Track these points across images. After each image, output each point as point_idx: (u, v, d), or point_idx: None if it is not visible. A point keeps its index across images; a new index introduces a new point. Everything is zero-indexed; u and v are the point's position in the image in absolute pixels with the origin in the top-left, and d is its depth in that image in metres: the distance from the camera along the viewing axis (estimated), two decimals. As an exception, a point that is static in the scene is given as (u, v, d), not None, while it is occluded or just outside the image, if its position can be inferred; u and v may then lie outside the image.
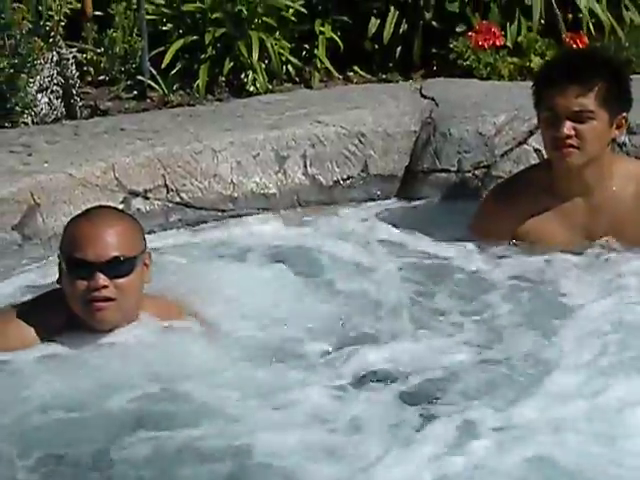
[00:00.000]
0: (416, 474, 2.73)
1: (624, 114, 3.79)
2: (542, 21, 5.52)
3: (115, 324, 3.21)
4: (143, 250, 3.24)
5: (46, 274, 3.75)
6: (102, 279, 3.14)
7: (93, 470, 2.82)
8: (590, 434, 2.85)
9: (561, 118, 3.70)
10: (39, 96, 4.89)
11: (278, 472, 2.76)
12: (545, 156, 4.03)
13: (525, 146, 4.37)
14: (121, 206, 4.04)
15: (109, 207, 3.57)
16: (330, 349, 3.30)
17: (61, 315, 3.23)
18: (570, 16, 5.63)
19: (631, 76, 3.95)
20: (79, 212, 3.44)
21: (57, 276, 3.28)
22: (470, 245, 3.90)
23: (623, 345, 3.24)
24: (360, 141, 4.46)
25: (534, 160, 4.30)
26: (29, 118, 4.82)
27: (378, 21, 5.52)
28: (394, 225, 4.15)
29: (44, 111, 4.90)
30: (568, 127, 3.69)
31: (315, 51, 5.51)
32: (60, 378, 3.11)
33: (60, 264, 3.26)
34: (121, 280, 3.16)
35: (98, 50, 5.28)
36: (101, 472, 2.81)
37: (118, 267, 3.15)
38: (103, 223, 3.20)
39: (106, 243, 3.15)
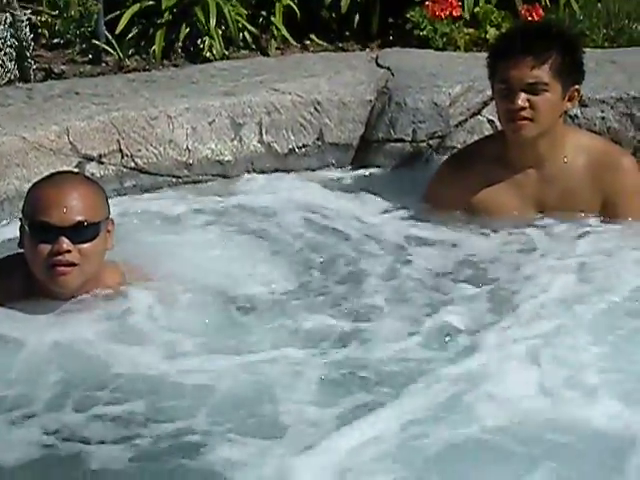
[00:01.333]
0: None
1: (577, 86, 3.84)
2: (499, -8, 5.55)
3: (76, 289, 3.21)
4: (107, 216, 3.24)
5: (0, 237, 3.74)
6: (66, 243, 3.13)
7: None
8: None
9: (515, 90, 3.73)
10: (-8, 58, 4.85)
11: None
12: (499, 127, 4.08)
13: (479, 117, 4.40)
14: (75, 170, 4.02)
15: (73, 172, 3.57)
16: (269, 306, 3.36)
17: (20, 280, 3.22)
18: (526, -12, 5.67)
19: (585, 49, 4.00)
20: (41, 176, 3.42)
21: (18, 239, 3.26)
22: (422, 213, 3.94)
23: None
24: (316, 109, 4.47)
25: (488, 131, 4.33)
26: (-19, 80, 4.79)
27: (336, -11, 5.52)
28: (347, 193, 4.18)
29: (-3, 73, 4.86)
30: (522, 99, 3.73)
31: (272, 18, 5.51)
32: (16, 345, 3.11)
33: (22, 227, 3.24)
34: (85, 245, 3.16)
35: (53, 13, 5.23)
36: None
37: (82, 232, 3.15)
38: (68, 187, 3.18)
39: (71, 208, 3.14)
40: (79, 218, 3.14)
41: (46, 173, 3.86)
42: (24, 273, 3.22)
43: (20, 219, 3.27)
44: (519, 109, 3.73)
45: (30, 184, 3.41)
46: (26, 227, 3.20)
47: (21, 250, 3.27)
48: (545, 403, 2.91)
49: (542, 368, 3.04)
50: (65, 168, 4.00)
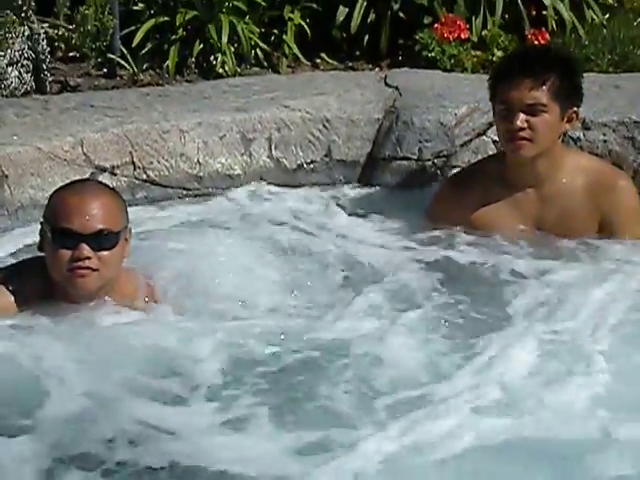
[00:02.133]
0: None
1: (575, 108, 3.92)
2: (506, 16, 5.64)
3: (94, 293, 3.29)
4: (126, 225, 3.33)
5: (13, 243, 3.83)
6: (86, 250, 3.22)
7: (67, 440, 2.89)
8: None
9: (514, 111, 3.82)
10: (9, 69, 4.94)
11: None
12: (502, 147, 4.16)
13: (484, 137, 4.48)
14: (97, 179, 4.10)
15: (95, 181, 3.65)
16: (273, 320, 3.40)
17: (38, 284, 3.30)
18: (534, 12, 5.76)
19: (590, 74, 4.08)
20: (55, 186, 3.50)
21: (38, 243, 3.34)
22: (424, 231, 4.01)
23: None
24: (324, 126, 4.56)
25: (492, 151, 4.41)
26: (-1, 91, 4.88)
27: (347, 10, 5.61)
28: (353, 209, 4.27)
29: (14, 84, 4.95)
30: (521, 119, 3.81)
31: (284, 37, 5.60)
32: (36, 348, 3.17)
33: (42, 231, 3.32)
34: (104, 253, 3.24)
35: (70, 26, 5.33)
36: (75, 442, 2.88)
37: (102, 240, 3.24)
38: (91, 196, 3.27)
39: (93, 215, 3.23)
40: (100, 226, 3.23)
41: (60, 183, 3.97)
42: (42, 276, 3.30)
43: (41, 224, 3.35)
44: (518, 129, 3.81)
45: (45, 193, 3.51)
46: (48, 232, 3.28)
47: (40, 254, 3.35)
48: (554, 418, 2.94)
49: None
50: (78, 178, 4.08)
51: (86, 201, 3.24)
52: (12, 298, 3.27)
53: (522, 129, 3.81)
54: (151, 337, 3.24)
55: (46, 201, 3.36)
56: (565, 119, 3.89)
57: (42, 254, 3.33)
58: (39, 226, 3.35)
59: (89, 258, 3.22)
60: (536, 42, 5.41)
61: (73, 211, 3.23)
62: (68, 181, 3.59)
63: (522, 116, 3.81)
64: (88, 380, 3.07)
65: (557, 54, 3.98)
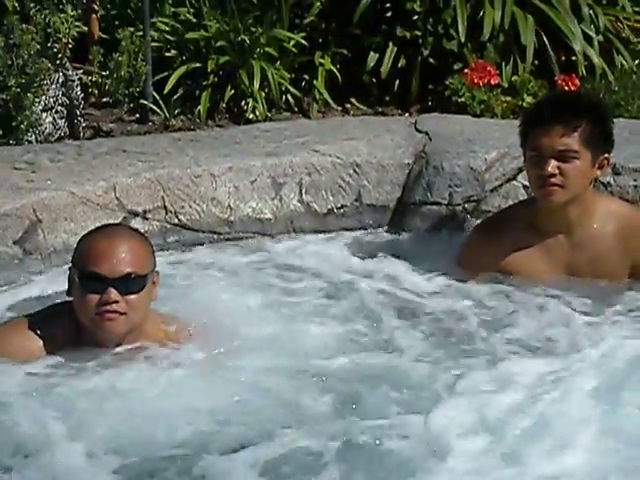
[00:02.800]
0: None
1: (606, 155, 3.92)
2: (536, 62, 5.66)
3: (121, 336, 3.31)
4: (153, 268, 3.35)
5: (46, 288, 3.86)
6: (114, 294, 3.24)
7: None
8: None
9: (546, 157, 3.82)
10: (44, 115, 5.02)
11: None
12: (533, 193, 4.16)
13: (514, 182, 4.48)
14: (123, 223, 4.14)
15: (123, 225, 3.68)
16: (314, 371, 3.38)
17: (67, 328, 3.32)
18: (564, 58, 5.78)
19: (620, 119, 4.08)
20: (86, 229, 3.54)
21: (67, 288, 3.36)
22: (455, 277, 4.01)
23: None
24: (355, 171, 4.58)
25: (522, 196, 4.41)
26: (33, 136, 4.95)
27: (377, 55, 5.66)
28: (384, 254, 4.25)
29: (48, 130, 5.02)
30: (552, 166, 3.82)
31: (314, 82, 5.65)
32: (63, 393, 3.18)
33: (71, 276, 3.35)
34: (132, 296, 3.26)
35: (103, 73, 5.40)
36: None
37: (130, 284, 3.25)
38: (118, 240, 3.30)
39: (120, 259, 3.25)
40: (128, 270, 3.25)
41: (93, 228, 4.01)
42: (70, 321, 3.32)
43: (69, 268, 3.37)
44: (549, 175, 3.81)
45: (77, 237, 3.53)
46: (75, 277, 3.30)
47: (68, 299, 3.38)
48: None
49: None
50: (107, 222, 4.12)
51: (113, 245, 3.27)
52: (41, 343, 3.29)
53: (553, 175, 3.81)
54: (181, 383, 3.24)
55: (79, 246, 3.37)
56: (596, 165, 3.89)
57: (70, 299, 3.36)
58: (68, 271, 3.37)
59: (117, 302, 3.24)
60: (566, 87, 5.43)
61: (100, 255, 3.25)
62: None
63: (553, 162, 3.81)
64: (108, 421, 3.06)
65: (588, 100, 3.99)
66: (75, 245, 3.41)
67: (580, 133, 3.82)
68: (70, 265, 3.38)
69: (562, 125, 3.81)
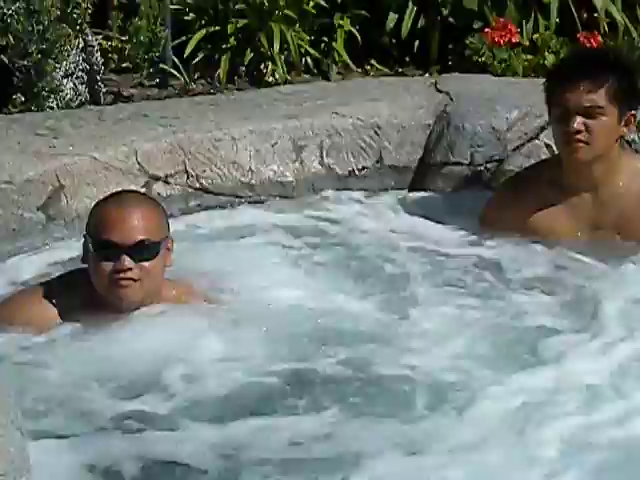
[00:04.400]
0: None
1: (633, 112, 3.88)
2: (557, 20, 5.61)
3: (137, 304, 3.32)
4: (167, 235, 3.35)
5: (69, 253, 3.87)
6: (127, 261, 3.25)
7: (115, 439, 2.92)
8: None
9: (572, 113, 3.79)
10: (65, 81, 5.01)
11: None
12: (556, 152, 4.14)
13: (536, 141, 4.46)
14: (143, 190, 4.16)
15: (135, 192, 3.68)
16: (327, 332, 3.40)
17: (83, 295, 3.34)
18: (585, 15, 5.73)
19: (641, 75, 4.04)
20: (105, 195, 3.55)
21: (82, 255, 3.38)
22: (478, 235, 4.01)
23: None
24: (375, 133, 4.56)
25: (545, 155, 4.39)
26: (55, 102, 4.95)
27: (396, 16, 5.63)
28: (406, 215, 4.26)
29: (69, 96, 5.02)
30: (578, 122, 3.79)
31: (334, 44, 5.62)
32: (81, 356, 3.22)
33: (85, 244, 3.36)
34: (145, 263, 3.27)
35: (123, 38, 5.40)
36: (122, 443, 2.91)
37: (143, 250, 3.26)
38: (130, 207, 3.30)
39: (133, 227, 3.26)
40: (141, 237, 3.26)
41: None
42: (87, 288, 3.33)
43: (84, 236, 3.39)
44: (575, 132, 3.78)
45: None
46: (90, 245, 3.31)
47: (84, 265, 3.39)
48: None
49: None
50: (133, 187, 4.13)
51: (125, 212, 3.28)
52: (57, 311, 3.31)
53: (579, 132, 3.78)
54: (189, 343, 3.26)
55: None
56: (623, 122, 3.86)
57: (86, 266, 3.37)
58: (83, 239, 3.39)
59: (130, 269, 3.25)
60: (588, 45, 5.38)
61: (113, 223, 3.26)
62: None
63: (579, 119, 3.78)
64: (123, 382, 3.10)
65: (615, 56, 3.95)
66: (89, 214, 3.43)
67: (606, 89, 3.79)
68: (84, 233, 3.39)
69: (588, 81, 3.77)
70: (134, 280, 3.26)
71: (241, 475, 2.79)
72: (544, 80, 3.97)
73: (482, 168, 4.47)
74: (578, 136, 3.79)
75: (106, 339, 3.27)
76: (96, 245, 3.28)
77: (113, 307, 3.31)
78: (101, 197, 3.69)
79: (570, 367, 3.18)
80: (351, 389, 3.11)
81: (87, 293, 3.33)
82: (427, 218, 4.20)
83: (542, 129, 4.42)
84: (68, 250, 3.94)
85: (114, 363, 3.19)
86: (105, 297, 3.31)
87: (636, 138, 4.36)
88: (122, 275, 3.24)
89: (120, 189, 3.83)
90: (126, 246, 3.24)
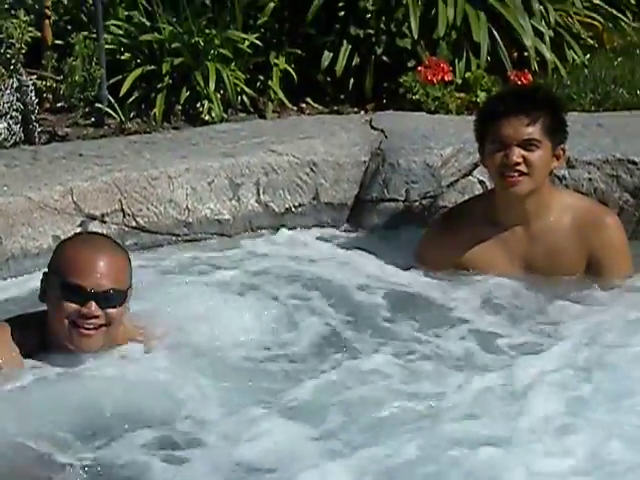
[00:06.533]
0: None
1: (562, 145, 3.97)
2: (489, 58, 5.71)
3: (95, 350, 3.29)
4: (131, 284, 3.35)
5: (3, 294, 3.84)
6: (94, 307, 3.23)
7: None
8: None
9: (510, 146, 3.85)
10: (-2, 121, 4.98)
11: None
12: (489, 187, 4.20)
13: (470, 177, 4.53)
14: (78, 229, 4.14)
15: (104, 235, 3.68)
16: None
17: (36, 338, 3.29)
18: (516, 54, 5.84)
19: (573, 113, 4.14)
20: (73, 235, 3.55)
21: (40, 293, 3.33)
22: (412, 272, 4.05)
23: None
24: (312, 170, 4.60)
25: (479, 191, 4.45)
26: (-11, 143, 4.91)
27: (331, 54, 5.68)
28: (341, 251, 4.29)
29: (3, 136, 4.99)
30: (517, 154, 3.85)
31: (269, 82, 5.66)
32: (37, 395, 3.18)
33: (48, 282, 3.31)
34: (112, 310, 3.25)
35: (57, 77, 5.37)
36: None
37: (112, 298, 3.25)
38: (104, 254, 3.28)
39: (106, 274, 3.24)
40: (111, 285, 3.24)
41: (51, 232, 4.01)
42: (40, 332, 3.29)
43: (45, 274, 3.34)
44: (514, 164, 3.84)
45: (35, 242, 3.52)
46: (56, 285, 3.26)
47: (34, 311, 3.35)
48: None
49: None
50: (69, 227, 4.12)
51: (99, 259, 3.25)
52: (11, 349, 3.25)
53: (518, 164, 3.85)
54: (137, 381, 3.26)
55: (37, 250, 3.35)
56: (554, 156, 3.94)
57: (37, 310, 3.33)
58: (42, 276, 3.35)
59: (97, 317, 3.23)
60: (519, 83, 5.48)
61: (86, 268, 3.23)
62: (72, 233, 3.64)
63: (518, 151, 3.85)
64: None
65: (545, 93, 4.05)
66: (35, 250, 3.41)
67: (541, 123, 3.88)
68: (46, 271, 3.35)
69: (525, 115, 3.85)
70: (98, 326, 3.24)
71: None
72: (476, 117, 4.04)
73: (417, 204, 4.52)
74: (518, 167, 3.85)
75: (63, 379, 3.24)
76: (64, 287, 3.24)
77: (68, 351, 3.27)
78: (37, 237, 3.67)
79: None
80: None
81: (40, 336, 3.29)
82: (362, 255, 4.23)
83: (476, 165, 4.49)
84: (3, 291, 3.90)
85: (71, 403, 3.16)
86: (60, 341, 3.27)
87: (566, 174, 4.45)
88: (87, 321, 3.22)
89: (87, 230, 3.88)
90: (96, 293, 3.22)
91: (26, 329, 3.31)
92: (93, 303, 3.22)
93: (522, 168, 3.85)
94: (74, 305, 3.23)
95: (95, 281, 3.22)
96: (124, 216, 4.34)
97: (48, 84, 5.38)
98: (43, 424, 3.06)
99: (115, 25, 5.61)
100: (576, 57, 5.85)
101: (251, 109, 5.61)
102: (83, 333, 3.23)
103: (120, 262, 3.31)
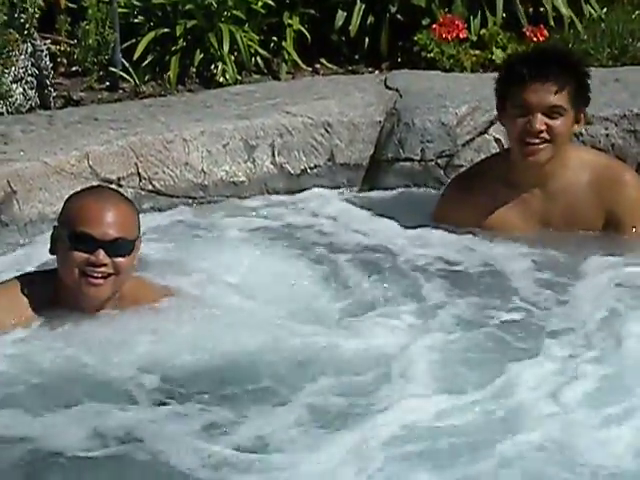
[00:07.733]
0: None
1: (584, 109, 3.94)
2: (504, 15, 5.66)
3: (104, 301, 3.34)
4: (139, 235, 3.39)
5: (23, 258, 3.86)
6: (103, 256, 3.27)
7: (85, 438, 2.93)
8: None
9: (534, 113, 3.80)
10: (14, 86, 4.99)
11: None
12: (505, 145, 4.18)
13: (486, 136, 4.51)
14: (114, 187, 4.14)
15: (111, 189, 3.71)
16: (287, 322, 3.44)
17: (45, 295, 3.34)
18: (531, 10, 5.78)
19: (590, 68, 4.07)
20: (81, 189, 3.52)
21: (50, 246, 3.37)
22: (430, 231, 4.03)
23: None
24: (326, 131, 4.59)
25: (495, 149, 4.44)
26: (4, 108, 4.92)
27: (345, 14, 5.64)
28: (358, 212, 4.29)
29: (19, 101, 5.00)
30: (540, 122, 3.80)
31: (283, 43, 5.63)
32: (47, 354, 3.22)
33: (57, 235, 3.36)
34: (120, 259, 3.30)
35: (71, 42, 5.37)
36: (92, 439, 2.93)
37: (119, 247, 3.29)
38: (111, 204, 3.33)
39: (112, 223, 3.29)
40: (118, 234, 3.29)
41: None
42: (49, 288, 3.34)
43: (54, 227, 3.39)
44: (538, 132, 3.80)
45: (52, 207, 3.53)
46: (64, 236, 3.31)
47: (46, 269, 3.39)
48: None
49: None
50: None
51: (106, 208, 3.31)
52: (22, 306, 3.30)
53: (541, 131, 3.80)
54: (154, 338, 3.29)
55: (54, 215, 3.37)
56: (575, 121, 3.91)
57: (47, 269, 3.36)
58: (52, 230, 3.39)
59: (105, 265, 3.27)
60: (535, 39, 5.43)
61: (94, 217, 3.28)
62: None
63: (541, 118, 3.80)
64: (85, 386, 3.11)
65: (573, 58, 3.99)
66: (52, 215, 3.43)
67: (567, 91, 3.83)
68: (55, 224, 3.39)
69: (551, 82, 3.79)
70: (106, 275, 3.27)
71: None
72: (499, 76, 3.98)
73: (433, 163, 4.51)
74: (541, 135, 3.81)
75: (72, 337, 3.28)
76: (72, 236, 3.29)
77: (78, 304, 3.32)
78: (54, 202, 3.69)
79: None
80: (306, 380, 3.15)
81: (49, 292, 3.34)
82: (379, 215, 4.22)
83: (491, 123, 4.47)
84: (22, 255, 3.93)
85: (79, 362, 3.20)
86: (69, 296, 3.31)
87: (583, 130, 4.41)
88: (96, 269, 3.26)
89: (97, 184, 3.85)
90: (104, 241, 3.27)
91: (36, 285, 3.35)
92: (101, 251, 3.26)
93: (545, 135, 3.81)
94: (83, 254, 3.27)
95: (103, 230, 3.27)
96: (140, 180, 4.35)
97: (62, 48, 5.39)
98: (57, 379, 3.09)
99: (128, -12, 5.59)
100: (593, 11, 5.79)
101: (265, 70, 5.59)
102: (92, 282, 3.28)
103: (128, 212, 3.36)
